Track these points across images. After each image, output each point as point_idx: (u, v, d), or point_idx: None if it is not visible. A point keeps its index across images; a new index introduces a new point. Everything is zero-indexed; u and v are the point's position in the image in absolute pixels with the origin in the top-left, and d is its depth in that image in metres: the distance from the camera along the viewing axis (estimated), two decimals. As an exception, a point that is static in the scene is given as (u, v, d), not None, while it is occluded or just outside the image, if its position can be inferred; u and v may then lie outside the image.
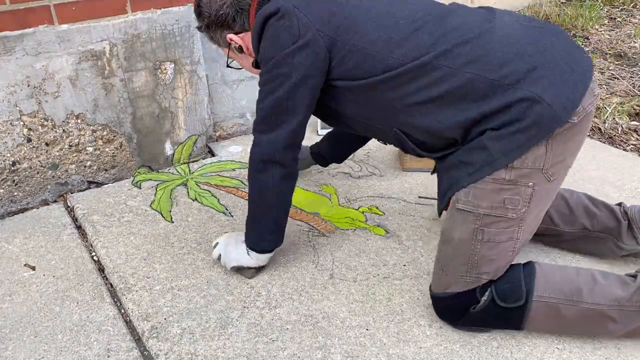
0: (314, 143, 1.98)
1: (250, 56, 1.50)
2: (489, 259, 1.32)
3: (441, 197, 1.39)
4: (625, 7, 4.23)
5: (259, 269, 1.60)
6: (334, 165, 2.19)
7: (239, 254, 1.56)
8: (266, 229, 1.53)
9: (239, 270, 1.59)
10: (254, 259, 1.56)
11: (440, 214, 1.44)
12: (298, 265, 1.64)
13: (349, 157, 2.02)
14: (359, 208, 1.92)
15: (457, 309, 1.38)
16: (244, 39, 1.46)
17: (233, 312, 1.48)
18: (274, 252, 1.58)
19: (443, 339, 1.38)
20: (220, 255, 1.60)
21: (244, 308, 1.49)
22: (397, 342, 1.38)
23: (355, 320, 1.44)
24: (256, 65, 1.47)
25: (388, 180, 2.09)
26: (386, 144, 1.58)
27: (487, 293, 1.34)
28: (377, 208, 1.91)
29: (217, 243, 1.62)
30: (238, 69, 1.62)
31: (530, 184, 1.27)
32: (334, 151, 1.93)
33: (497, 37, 1.27)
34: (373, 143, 2.33)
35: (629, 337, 1.36)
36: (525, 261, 1.39)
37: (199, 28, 1.52)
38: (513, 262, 1.37)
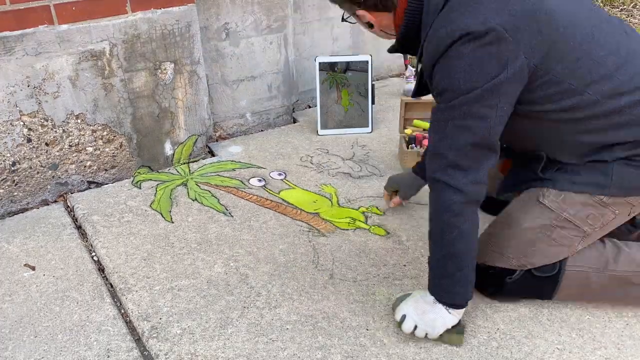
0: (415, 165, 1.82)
1: (382, 31, 1.37)
2: (542, 254, 1.39)
3: (520, 184, 1.42)
4: (625, 7, 4.24)
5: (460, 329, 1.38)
6: (334, 165, 2.19)
7: (442, 316, 1.32)
8: (467, 277, 1.31)
9: (442, 337, 1.35)
10: (457, 315, 1.33)
11: (499, 194, 1.49)
12: (298, 265, 1.64)
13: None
14: (359, 208, 1.92)
15: (492, 280, 1.43)
16: (379, 18, 1.33)
17: (233, 312, 1.47)
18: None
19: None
20: (415, 326, 1.34)
21: (244, 308, 1.49)
22: (397, 342, 1.37)
23: (356, 320, 1.44)
24: (400, 47, 1.37)
25: (388, 181, 2.09)
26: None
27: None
28: (377, 208, 1.91)
29: (404, 315, 1.35)
30: (352, 22, 1.44)
31: (617, 211, 1.34)
32: None
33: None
34: (373, 143, 2.34)
35: None
36: None
37: None
38: None
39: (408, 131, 2.19)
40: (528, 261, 1.40)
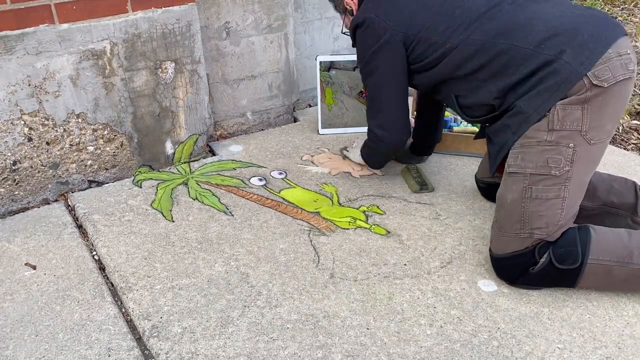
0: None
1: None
2: (539, 215, 1.47)
3: (493, 159, 1.60)
4: (626, 6, 4.23)
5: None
6: (334, 165, 2.19)
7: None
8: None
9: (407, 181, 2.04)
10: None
11: (493, 173, 1.72)
12: (299, 264, 1.65)
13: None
14: (359, 207, 1.92)
15: (516, 269, 1.52)
16: (354, 2, 1.84)
17: (234, 311, 1.48)
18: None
19: (443, 339, 1.38)
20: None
21: (244, 307, 1.49)
22: (398, 341, 1.37)
23: (356, 319, 1.44)
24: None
25: (389, 180, 2.09)
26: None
27: (545, 255, 1.47)
28: (377, 207, 1.91)
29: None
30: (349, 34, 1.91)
31: (571, 144, 1.43)
32: (424, 135, 2.15)
33: (525, 12, 1.51)
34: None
35: None
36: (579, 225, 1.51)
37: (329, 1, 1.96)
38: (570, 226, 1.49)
39: None
40: (532, 230, 1.47)
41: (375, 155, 1.99)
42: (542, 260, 1.47)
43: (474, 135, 2.16)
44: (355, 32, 1.75)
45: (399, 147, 1.87)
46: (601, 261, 1.45)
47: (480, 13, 1.55)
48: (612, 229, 1.52)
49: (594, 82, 1.38)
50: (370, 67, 1.74)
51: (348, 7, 1.86)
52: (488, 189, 1.90)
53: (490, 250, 1.59)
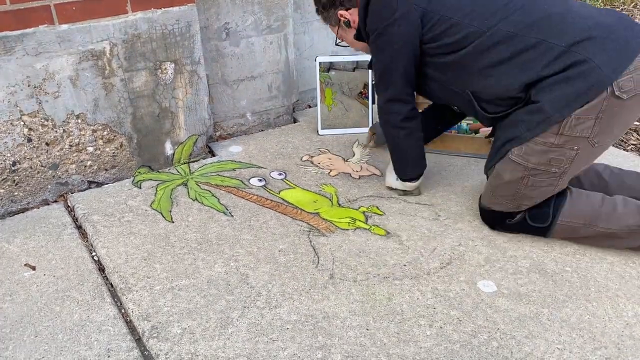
0: None
1: (354, 29, 1.80)
2: (530, 197, 1.63)
3: (496, 151, 1.64)
4: (625, 6, 4.23)
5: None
6: (334, 166, 2.19)
7: (402, 184, 1.95)
8: (406, 165, 1.91)
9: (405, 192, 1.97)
10: (411, 184, 1.93)
11: (489, 169, 1.70)
12: (298, 265, 1.65)
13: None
14: (359, 208, 1.92)
15: (496, 219, 1.73)
16: (352, 15, 1.77)
17: (233, 312, 1.48)
18: (421, 179, 1.93)
19: (443, 339, 1.38)
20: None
21: (244, 308, 1.49)
22: (398, 342, 1.37)
23: (356, 320, 1.44)
24: (357, 37, 1.80)
25: (388, 180, 2.09)
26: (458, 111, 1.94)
27: (519, 213, 1.68)
28: (377, 208, 1.91)
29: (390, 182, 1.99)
30: (345, 47, 1.92)
31: (575, 147, 1.50)
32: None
33: (557, 7, 1.51)
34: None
35: (632, 249, 1.64)
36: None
37: (317, 11, 1.87)
38: None
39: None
40: (520, 204, 1.65)
41: (398, 137, 1.83)
42: (518, 217, 1.68)
43: (473, 134, 2.17)
44: (368, 3, 1.66)
45: (413, 116, 1.78)
46: (569, 223, 1.62)
47: (509, 0, 1.53)
48: (588, 193, 1.66)
49: (616, 93, 1.40)
50: (383, 40, 1.66)
51: (343, 19, 1.79)
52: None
53: (480, 198, 1.78)
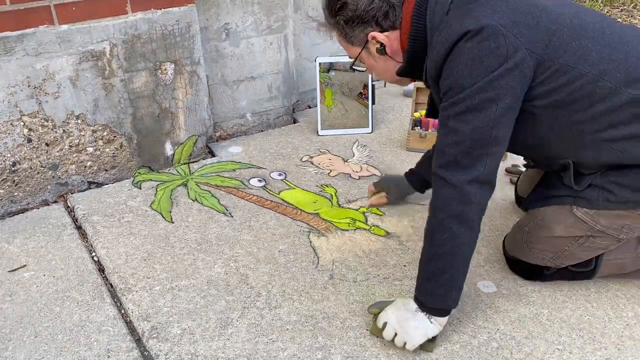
0: (408, 169, 1.84)
1: (393, 59, 1.35)
2: (577, 257, 1.45)
3: (553, 194, 1.40)
4: (625, 7, 4.24)
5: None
6: (334, 166, 2.19)
7: (423, 325, 1.29)
8: (453, 281, 1.27)
9: (421, 346, 1.31)
10: (438, 325, 1.30)
11: (527, 205, 1.50)
12: (298, 265, 1.64)
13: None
14: (359, 208, 1.92)
15: (534, 272, 1.52)
16: (389, 38, 1.31)
17: (233, 313, 1.48)
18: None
19: (443, 340, 1.38)
20: (395, 334, 1.30)
21: (244, 308, 1.49)
22: (397, 342, 1.37)
23: (356, 320, 1.44)
24: (404, 73, 1.36)
25: (388, 181, 2.09)
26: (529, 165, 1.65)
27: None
28: (377, 208, 1.91)
29: (385, 323, 1.32)
30: (362, 71, 1.49)
31: None
32: None
33: None
34: (373, 143, 2.34)
35: None
36: None
37: (329, 23, 1.36)
38: None
39: (417, 114, 2.30)
40: (563, 263, 1.48)
41: (458, 237, 1.24)
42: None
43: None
44: (458, 43, 1.17)
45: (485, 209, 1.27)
46: (614, 260, 1.47)
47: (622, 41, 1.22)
48: None
49: None
50: (484, 98, 1.16)
51: (374, 41, 1.32)
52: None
53: (504, 247, 1.60)
